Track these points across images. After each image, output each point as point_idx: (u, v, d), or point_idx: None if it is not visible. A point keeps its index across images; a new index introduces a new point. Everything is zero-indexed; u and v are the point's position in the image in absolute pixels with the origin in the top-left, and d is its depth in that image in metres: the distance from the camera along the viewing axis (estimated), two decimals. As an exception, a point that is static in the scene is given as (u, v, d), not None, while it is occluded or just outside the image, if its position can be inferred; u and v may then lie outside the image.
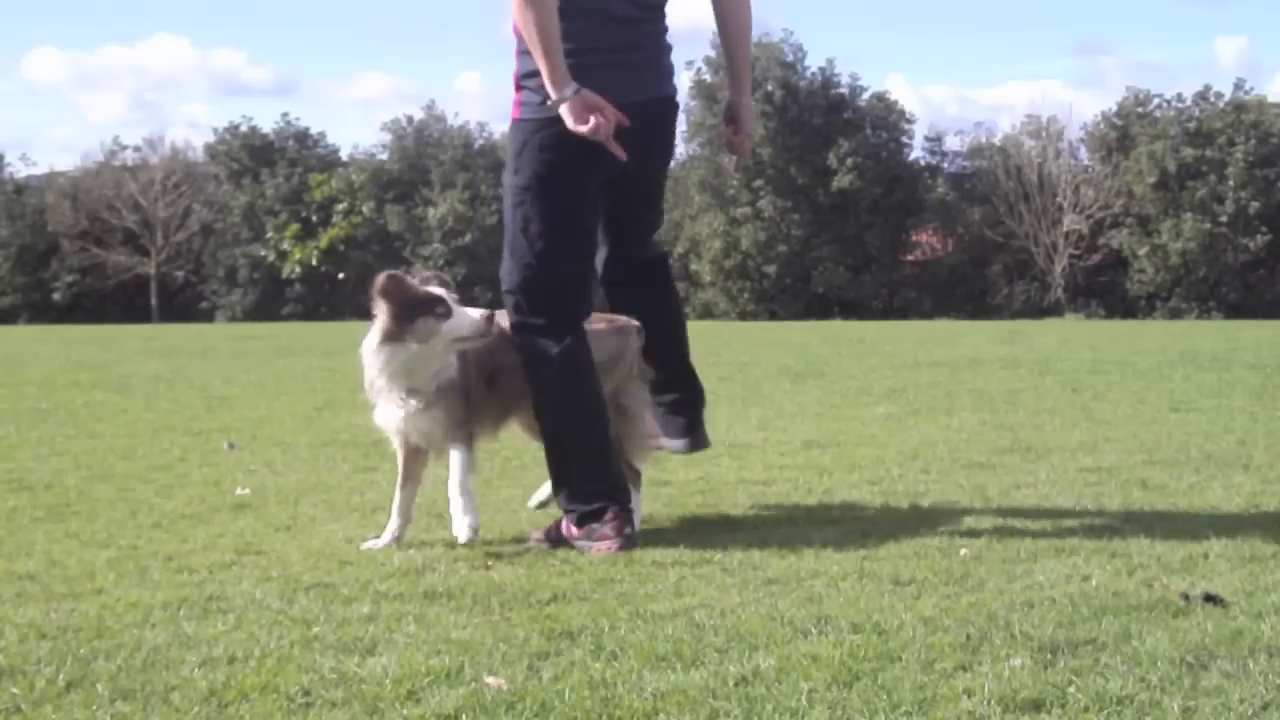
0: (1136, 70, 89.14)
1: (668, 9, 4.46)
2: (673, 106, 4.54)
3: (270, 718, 2.61)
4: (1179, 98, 47.59)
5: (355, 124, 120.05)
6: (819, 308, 46.72)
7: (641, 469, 4.59)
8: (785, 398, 9.62)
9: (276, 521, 4.72)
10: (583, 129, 4.06)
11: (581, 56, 4.14)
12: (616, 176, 4.28)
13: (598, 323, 4.45)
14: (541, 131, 4.22)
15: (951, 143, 51.76)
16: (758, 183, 47.49)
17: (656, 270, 4.77)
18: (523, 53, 4.22)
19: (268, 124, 57.85)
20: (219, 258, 55.29)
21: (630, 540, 4.13)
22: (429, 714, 2.60)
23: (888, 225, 48.24)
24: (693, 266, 48.49)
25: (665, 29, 4.48)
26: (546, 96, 4.12)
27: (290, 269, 53.63)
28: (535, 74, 4.16)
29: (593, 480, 4.25)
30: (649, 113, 4.30)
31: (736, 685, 2.71)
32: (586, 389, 4.27)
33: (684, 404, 4.67)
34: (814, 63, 51.33)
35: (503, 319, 4.36)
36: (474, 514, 4.21)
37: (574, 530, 4.23)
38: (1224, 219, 44.23)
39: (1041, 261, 47.41)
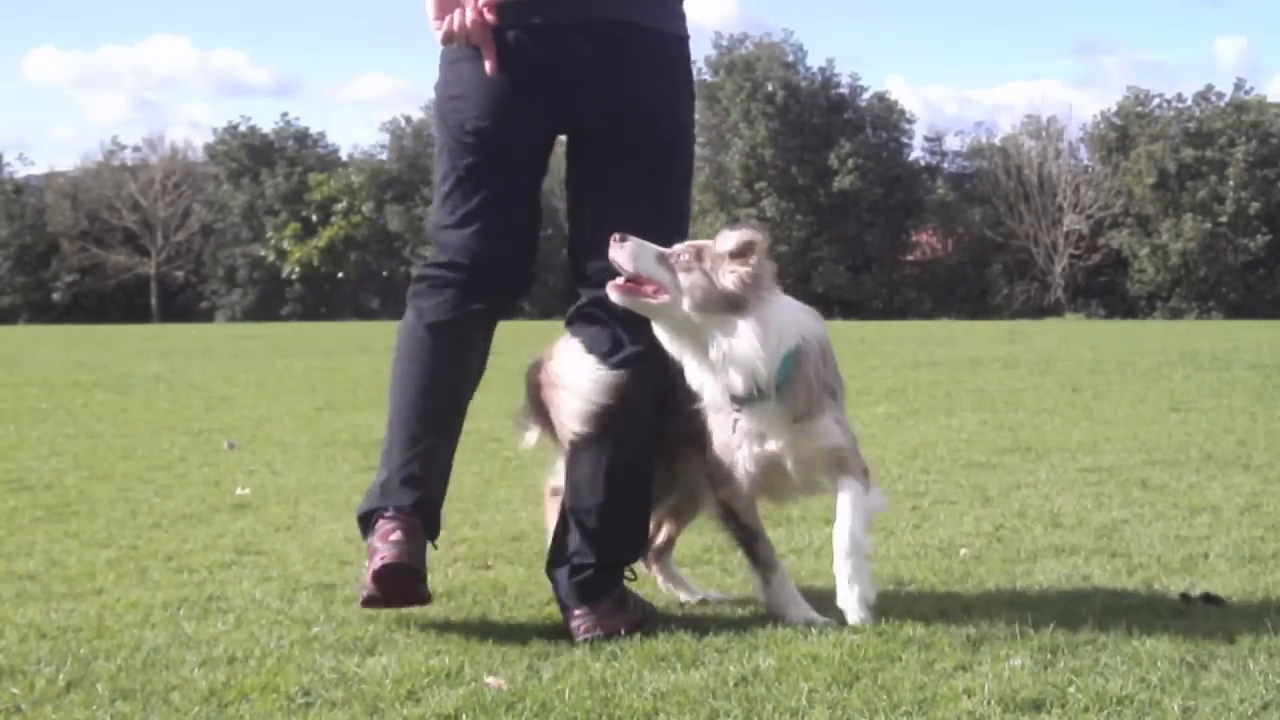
0: (1136, 70, 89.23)
1: None
2: (649, 35, 3.26)
3: (270, 718, 2.61)
4: (1179, 98, 47.63)
5: (355, 124, 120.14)
6: (819, 308, 45.94)
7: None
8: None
9: (276, 521, 4.72)
10: (437, 31, 3.24)
11: None
12: (573, 138, 3.30)
13: None
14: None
15: (951, 143, 51.80)
16: (759, 184, 47.50)
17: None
18: None
19: (268, 124, 57.89)
20: (219, 258, 55.29)
21: (400, 554, 3.04)
22: (429, 714, 2.60)
23: (888, 225, 48.23)
24: (693, 266, 48.50)
25: None
26: None
27: (290, 269, 53.63)
28: None
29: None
30: (595, 38, 3.20)
31: (736, 685, 2.71)
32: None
33: None
34: (814, 63, 51.41)
35: None
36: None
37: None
38: (1224, 219, 44.21)
39: (1041, 261, 47.39)
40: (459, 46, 3.25)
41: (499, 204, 3.32)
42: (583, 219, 3.35)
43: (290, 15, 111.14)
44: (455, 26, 3.18)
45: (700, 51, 46.80)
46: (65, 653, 3.02)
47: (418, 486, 3.18)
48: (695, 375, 3.14)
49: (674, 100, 3.33)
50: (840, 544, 3.11)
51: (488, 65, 3.17)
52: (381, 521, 3.14)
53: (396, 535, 3.08)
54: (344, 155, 57.44)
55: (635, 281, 3.09)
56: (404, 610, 3.33)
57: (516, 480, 5.65)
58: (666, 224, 3.28)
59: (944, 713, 2.54)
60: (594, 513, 3.20)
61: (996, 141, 50.59)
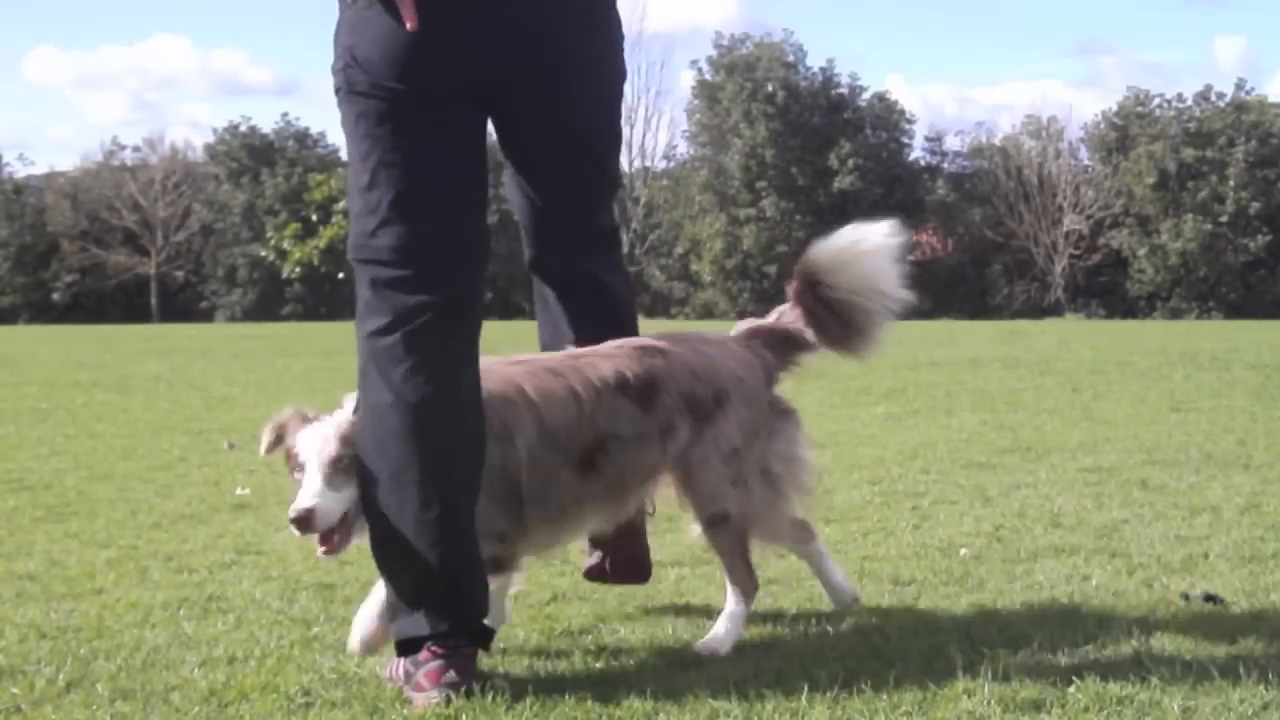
0: (1137, 70, 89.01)
1: None
2: None
3: (270, 718, 2.61)
4: (1179, 98, 47.60)
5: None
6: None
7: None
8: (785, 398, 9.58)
9: (276, 521, 4.72)
10: None
11: None
12: (486, 97, 2.95)
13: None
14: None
15: (951, 143, 51.76)
16: (760, 184, 47.50)
17: (598, 262, 3.26)
18: None
19: (268, 124, 57.88)
20: (219, 258, 55.28)
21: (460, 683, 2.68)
22: (429, 714, 2.60)
23: (888, 226, 48.26)
24: (693, 267, 48.48)
25: None
26: None
27: (290, 269, 53.61)
28: None
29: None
30: None
31: (736, 685, 2.71)
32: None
33: None
34: (814, 63, 51.34)
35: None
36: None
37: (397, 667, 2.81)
38: (1224, 219, 44.21)
39: (1041, 261, 47.39)
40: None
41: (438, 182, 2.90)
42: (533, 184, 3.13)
43: (291, 16, 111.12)
44: None
45: (701, 51, 46.90)
46: (65, 653, 3.02)
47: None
48: None
49: (601, 45, 3.05)
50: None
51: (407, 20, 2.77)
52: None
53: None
54: (344, 155, 57.44)
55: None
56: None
57: (516, 480, 5.64)
58: (603, 183, 3.19)
59: (944, 713, 2.54)
60: None
61: (996, 141, 50.59)
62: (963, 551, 3.97)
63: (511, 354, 3.11)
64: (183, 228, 55.13)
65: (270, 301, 53.65)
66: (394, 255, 2.92)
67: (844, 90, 49.51)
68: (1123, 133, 47.34)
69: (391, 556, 2.79)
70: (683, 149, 50.78)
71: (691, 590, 3.56)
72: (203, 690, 2.75)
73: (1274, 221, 44.34)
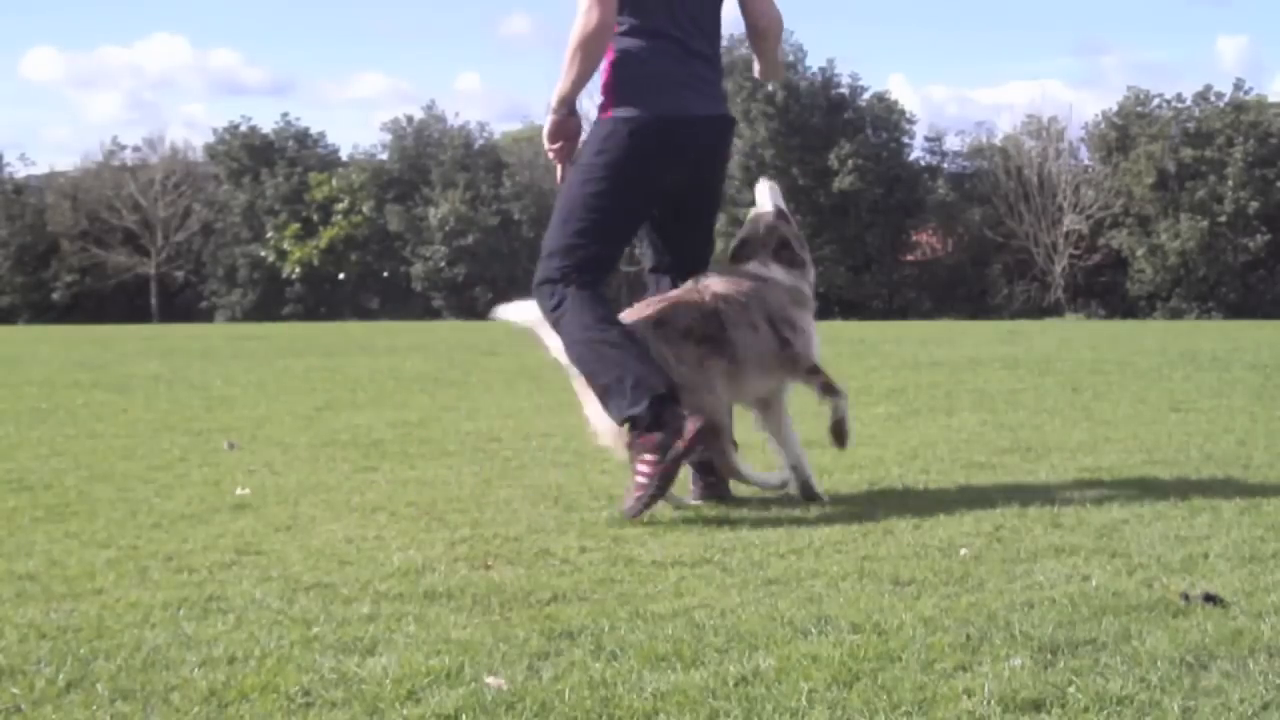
0: (1137, 70, 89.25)
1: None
2: (730, 123, 5.10)
3: (270, 718, 2.61)
4: (1179, 98, 47.66)
5: (353, 124, 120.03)
6: (819, 308, 46.21)
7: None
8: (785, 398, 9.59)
9: (276, 521, 4.72)
10: (549, 145, 4.91)
11: (650, 68, 4.81)
12: (677, 188, 4.93)
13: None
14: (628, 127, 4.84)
15: (952, 143, 51.82)
16: (760, 183, 47.60)
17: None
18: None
19: (267, 124, 57.91)
20: (219, 258, 55.31)
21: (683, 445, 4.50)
22: (429, 714, 2.61)
23: (888, 225, 48.25)
24: (693, 266, 48.55)
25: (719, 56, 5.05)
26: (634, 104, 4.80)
27: (290, 269, 53.64)
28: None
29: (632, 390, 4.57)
30: (714, 127, 4.98)
31: (736, 685, 2.71)
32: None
33: None
34: (814, 63, 51.43)
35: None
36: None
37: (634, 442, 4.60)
38: (1223, 219, 44.23)
39: (1041, 261, 47.41)
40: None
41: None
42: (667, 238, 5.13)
43: (287, 15, 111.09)
44: (552, 154, 4.98)
45: (700, 51, 46.76)
46: (65, 653, 3.02)
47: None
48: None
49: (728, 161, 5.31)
50: None
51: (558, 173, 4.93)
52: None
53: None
54: (344, 155, 57.43)
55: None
56: (404, 610, 3.34)
57: (516, 480, 5.65)
58: (709, 247, 5.23)
59: (944, 713, 2.55)
60: None
61: (997, 141, 50.64)
62: (963, 551, 3.97)
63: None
64: (183, 228, 55.18)
65: (270, 302, 53.69)
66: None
67: (844, 90, 49.56)
68: (1123, 133, 47.36)
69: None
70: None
71: (691, 590, 3.56)
72: (203, 690, 2.75)
73: (1273, 221, 44.37)
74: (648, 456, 4.48)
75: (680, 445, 4.46)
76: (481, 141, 55.29)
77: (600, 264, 4.80)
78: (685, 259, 5.08)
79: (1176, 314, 43.58)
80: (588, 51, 4.68)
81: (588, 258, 4.74)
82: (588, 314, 4.65)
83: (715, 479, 5.02)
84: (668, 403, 4.49)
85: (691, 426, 4.47)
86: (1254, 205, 44.01)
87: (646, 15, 4.79)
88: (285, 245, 53.85)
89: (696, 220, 5.14)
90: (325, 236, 53.34)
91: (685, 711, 2.58)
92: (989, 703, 2.57)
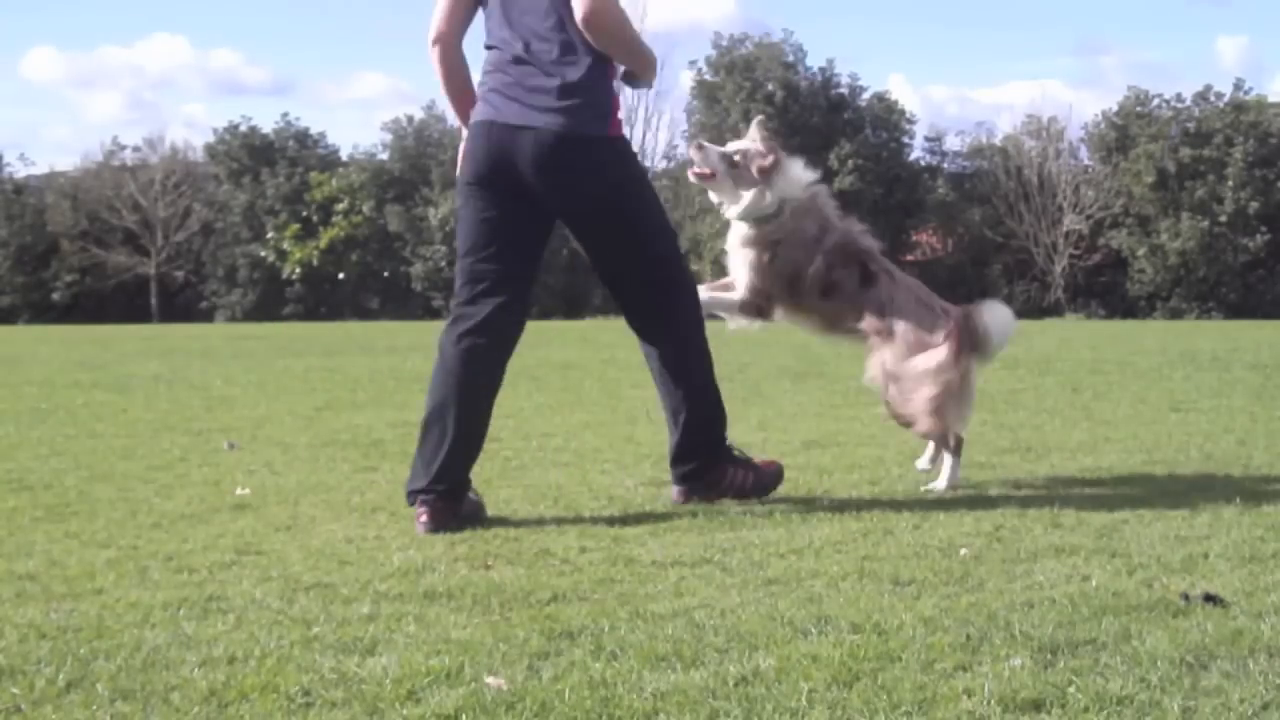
0: (1136, 70, 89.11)
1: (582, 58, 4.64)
2: (561, 139, 4.59)
3: (270, 718, 2.61)
4: (1179, 98, 47.61)
5: (353, 124, 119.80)
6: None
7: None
8: (785, 398, 9.61)
9: (276, 521, 4.72)
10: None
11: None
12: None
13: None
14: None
15: (952, 143, 51.77)
16: (759, 183, 47.58)
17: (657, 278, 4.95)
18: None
19: (267, 124, 57.88)
20: (219, 258, 55.29)
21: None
22: (429, 714, 2.61)
23: (888, 226, 48.11)
24: (694, 266, 48.53)
25: (575, 73, 4.64)
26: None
27: (290, 269, 53.62)
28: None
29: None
30: (531, 140, 4.64)
31: (736, 685, 2.71)
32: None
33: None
34: (814, 63, 51.39)
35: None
36: None
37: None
38: (1223, 219, 44.21)
39: (1041, 261, 47.40)
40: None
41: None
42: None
43: (287, 15, 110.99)
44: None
45: (700, 51, 46.94)
46: (65, 653, 3.02)
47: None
48: (731, 213, 5.27)
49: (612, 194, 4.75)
50: None
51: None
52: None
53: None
54: (344, 155, 57.40)
55: (704, 174, 5.24)
56: (404, 610, 3.34)
57: (516, 480, 5.65)
58: (650, 249, 4.87)
59: (944, 713, 2.55)
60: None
61: (997, 141, 50.60)
62: (963, 551, 3.97)
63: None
64: (183, 228, 55.15)
65: (270, 302, 53.67)
66: None
67: (844, 90, 49.52)
68: (1123, 133, 47.33)
69: None
70: (683, 149, 50.86)
71: (691, 590, 3.56)
72: (203, 690, 2.75)
73: (1273, 221, 44.35)
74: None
75: None
76: (482, 142, 55.25)
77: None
78: (621, 296, 4.96)
79: (1176, 314, 43.57)
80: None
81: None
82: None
83: (698, 482, 4.98)
84: None
85: None
86: (1254, 205, 43.99)
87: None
88: (285, 245, 53.82)
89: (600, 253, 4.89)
90: (325, 237, 53.31)
91: (685, 711, 2.58)
92: (989, 703, 2.57)
